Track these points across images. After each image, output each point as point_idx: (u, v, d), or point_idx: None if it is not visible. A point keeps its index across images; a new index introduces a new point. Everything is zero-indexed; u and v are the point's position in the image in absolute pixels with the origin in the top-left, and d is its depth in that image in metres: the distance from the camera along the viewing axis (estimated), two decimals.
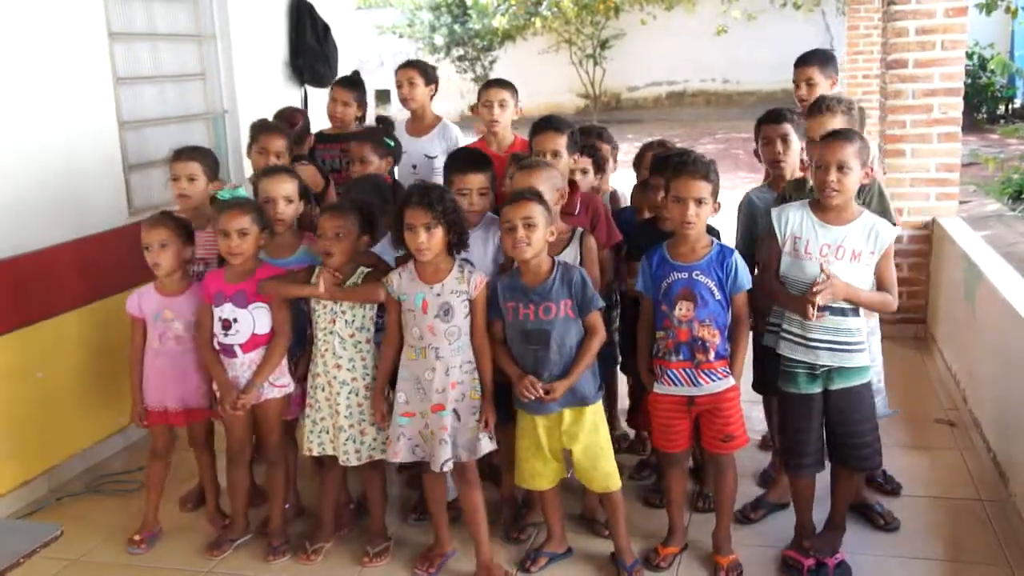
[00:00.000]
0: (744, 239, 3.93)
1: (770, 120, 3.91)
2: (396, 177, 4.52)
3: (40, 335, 4.28)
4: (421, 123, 4.80)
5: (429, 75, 4.76)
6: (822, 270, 3.18)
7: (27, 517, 4.08)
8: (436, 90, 4.81)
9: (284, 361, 3.64)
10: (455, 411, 3.38)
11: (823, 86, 4.35)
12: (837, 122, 3.57)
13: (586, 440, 3.37)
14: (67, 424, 4.46)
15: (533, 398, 3.28)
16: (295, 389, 3.69)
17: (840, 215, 3.28)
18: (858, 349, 3.29)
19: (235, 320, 3.54)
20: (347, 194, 3.95)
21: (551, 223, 3.33)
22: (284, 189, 3.68)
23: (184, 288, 3.73)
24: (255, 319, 3.56)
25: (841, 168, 3.19)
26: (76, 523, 3.98)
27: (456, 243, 3.35)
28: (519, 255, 3.29)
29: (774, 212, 3.38)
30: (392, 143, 4.32)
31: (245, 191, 3.74)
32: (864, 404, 3.35)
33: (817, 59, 4.42)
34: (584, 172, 4.05)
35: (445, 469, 3.39)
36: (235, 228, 3.49)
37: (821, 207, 3.30)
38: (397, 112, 4.87)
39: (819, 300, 3.14)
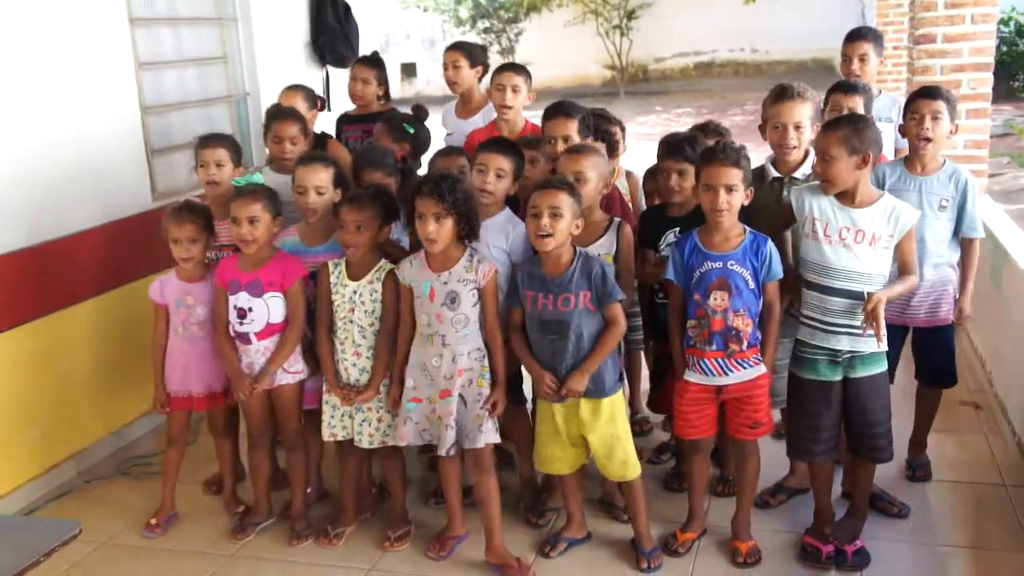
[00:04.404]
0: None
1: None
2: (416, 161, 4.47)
3: (67, 320, 4.34)
4: (468, 105, 4.74)
5: (475, 57, 4.71)
6: (865, 298, 3.14)
7: (55, 500, 4.16)
8: (485, 71, 4.75)
9: (298, 348, 3.66)
10: (461, 396, 3.40)
11: (874, 63, 4.26)
12: (807, 109, 3.51)
13: (603, 430, 3.37)
14: (94, 408, 4.53)
15: (552, 395, 3.32)
16: (307, 375, 3.69)
17: (856, 198, 3.24)
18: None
19: (250, 309, 3.56)
20: (356, 163, 3.90)
21: (579, 215, 3.28)
22: (317, 179, 3.63)
23: (204, 274, 3.76)
24: (269, 308, 3.58)
25: (824, 157, 3.18)
26: (104, 506, 4.06)
27: (467, 233, 3.35)
28: (540, 245, 3.26)
29: (793, 196, 3.35)
30: (412, 129, 4.26)
31: (262, 177, 3.74)
32: (881, 394, 3.33)
33: (872, 34, 4.33)
34: None
35: (450, 454, 3.42)
36: (245, 216, 3.50)
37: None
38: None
39: (880, 314, 3.10)
